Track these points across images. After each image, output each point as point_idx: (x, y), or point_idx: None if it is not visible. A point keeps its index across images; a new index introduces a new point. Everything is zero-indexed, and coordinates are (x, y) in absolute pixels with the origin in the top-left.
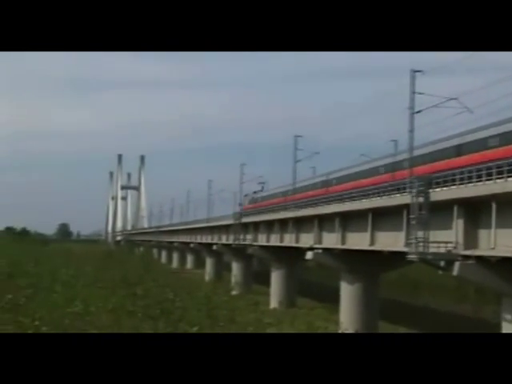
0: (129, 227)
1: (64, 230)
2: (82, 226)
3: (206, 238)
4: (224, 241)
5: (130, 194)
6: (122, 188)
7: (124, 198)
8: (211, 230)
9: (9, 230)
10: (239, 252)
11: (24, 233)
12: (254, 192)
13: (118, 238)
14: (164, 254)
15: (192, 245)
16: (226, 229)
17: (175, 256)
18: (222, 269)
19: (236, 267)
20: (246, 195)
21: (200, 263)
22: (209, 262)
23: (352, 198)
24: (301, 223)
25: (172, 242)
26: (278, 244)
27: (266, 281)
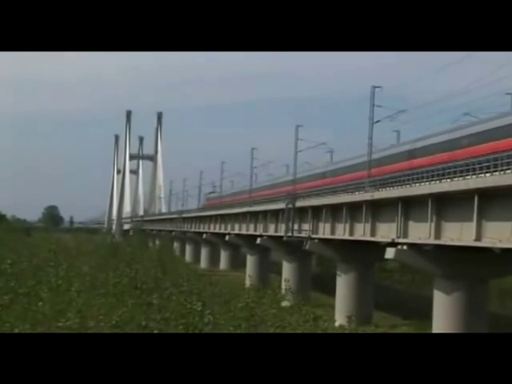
0: (140, 212)
1: (52, 216)
2: (76, 211)
3: (248, 228)
4: (272, 232)
5: (143, 166)
6: (132, 157)
7: (134, 172)
8: (255, 217)
9: None
10: (293, 248)
11: None
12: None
13: (126, 227)
14: (189, 249)
15: (228, 237)
16: (275, 216)
17: (204, 252)
18: (268, 270)
19: (288, 268)
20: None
21: (238, 262)
22: (250, 261)
23: (449, 175)
24: (378, 209)
25: (200, 234)
26: (347, 237)
27: (328, 287)
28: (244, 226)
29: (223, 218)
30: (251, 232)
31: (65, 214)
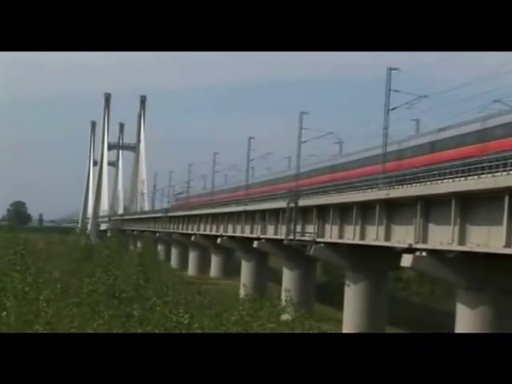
0: (120, 210)
1: (18, 213)
2: (46, 208)
3: (243, 230)
4: (271, 234)
5: (123, 157)
6: (111, 147)
7: (113, 164)
8: (251, 217)
9: None
10: (295, 253)
11: None
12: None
13: (103, 227)
14: (175, 252)
15: (220, 239)
16: (275, 216)
17: (192, 257)
18: (266, 278)
19: (289, 277)
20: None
21: (232, 269)
22: (246, 268)
23: (476, 171)
24: (394, 210)
25: (188, 235)
26: (357, 242)
27: (335, 299)
28: (239, 228)
29: (215, 218)
30: (247, 234)
31: (33, 211)
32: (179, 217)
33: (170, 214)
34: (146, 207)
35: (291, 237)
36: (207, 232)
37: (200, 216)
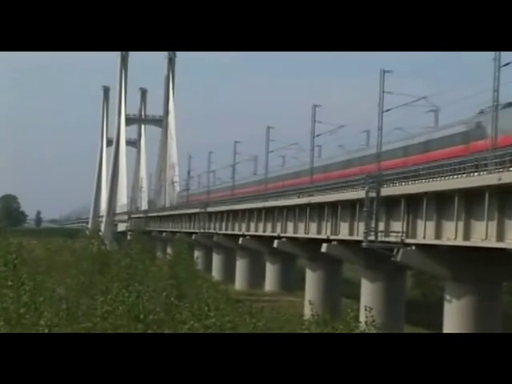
0: (143, 205)
1: (9, 210)
2: (45, 203)
3: (307, 229)
4: (344, 235)
5: (147, 134)
6: (130, 121)
7: (133, 143)
8: (318, 211)
9: None
10: (377, 259)
11: None
12: None
13: (121, 227)
14: (218, 260)
15: (277, 242)
16: (349, 210)
17: (241, 265)
18: (339, 293)
19: (369, 290)
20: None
21: (294, 281)
22: (312, 280)
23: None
24: (509, 199)
25: (235, 237)
26: (461, 243)
27: (432, 319)
28: (302, 226)
29: (270, 214)
30: (313, 235)
31: (28, 207)
32: (222, 213)
33: (210, 210)
34: (176, 200)
35: (372, 237)
36: (260, 232)
37: (250, 211)
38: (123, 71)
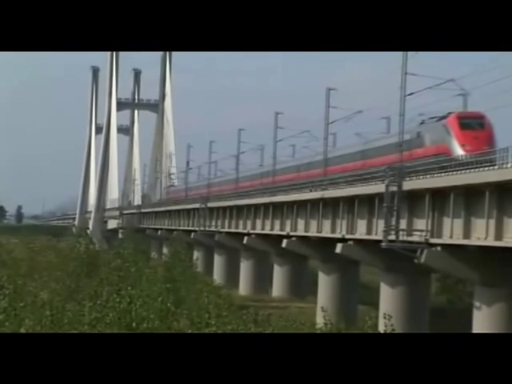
0: (136, 199)
1: None
2: (26, 198)
3: (320, 227)
4: (361, 233)
5: (140, 120)
6: (122, 106)
7: (125, 131)
8: (332, 207)
9: None
10: (397, 261)
11: None
12: None
13: (112, 225)
14: (220, 262)
15: (286, 242)
16: (367, 206)
17: (245, 268)
18: (355, 299)
19: (389, 296)
20: None
21: (305, 286)
22: (325, 283)
23: None
24: None
25: (239, 236)
26: (491, 243)
27: (458, 328)
28: (314, 224)
29: (278, 210)
30: (326, 233)
31: (7, 202)
32: (225, 208)
33: (211, 205)
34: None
35: (392, 237)
36: (267, 231)
37: (256, 207)
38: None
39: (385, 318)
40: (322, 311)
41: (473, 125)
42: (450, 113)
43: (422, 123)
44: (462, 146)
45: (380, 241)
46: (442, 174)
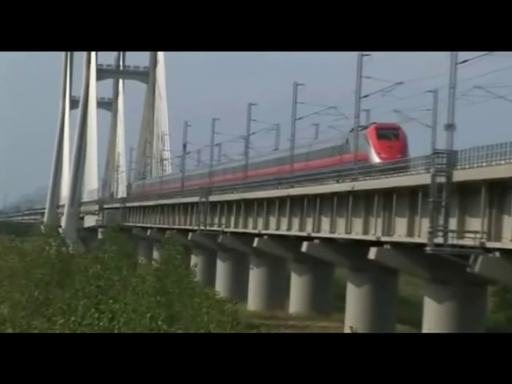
0: (120, 191)
1: None
2: None
3: (348, 226)
4: (401, 235)
5: (125, 92)
6: (103, 74)
7: (107, 105)
8: (365, 202)
9: None
10: (446, 269)
11: None
12: None
13: (90, 222)
14: (224, 269)
15: (306, 245)
16: (407, 200)
17: (256, 276)
18: (392, 316)
19: (435, 312)
20: None
21: (329, 299)
22: (355, 297)
23: None
24: None
25: (248, 238)
26: None
27: None
28: (341, 222)
29: (296, 205)
30: (355, 235)
31: None
32: (231, 203)
33: (213, 199)
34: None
35: (440, 240)
36: (283, 231)
37: (269, 201)
38: None
39: None
40: (351, 330)
41: (389, 135)
42: (373, 123)
43: (351, 131)
44: (378, 154)
45: (424, 244)
46: (503, 162)
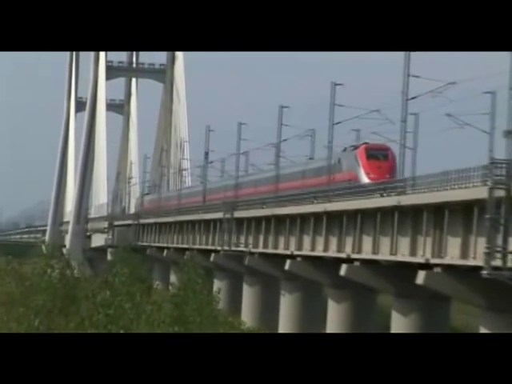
0: (132, 206)
1: None
2: None
3: (394, 247)
4: (454, 257)
5: (139, 93)
6: (113, 72)
7: (118, 107)
8: (413, 219)
9: None
10: (507, 297)
11: None
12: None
13: (98, 241)
14: (251, 295)
15: (345, 269)
16: (461, 216)
17: (286, 304)
18: None
19: None
20: None
21: (379, 331)
22: (404, 327)
23: None
24: None
25: (279, 259)
26: None
27: None
28: (385, 242)
29: (329, 223)
30: (401, 257)
31: None
32: (259, 220)
33: (239, 215)
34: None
35: (498, 262)
36: (318, 252)
37: (303, 218)
38: None
39: None
40: None
41: (378, 156)
42: (365, 142)
43: (344, 150)
44: (367, 174)
45: (480, 268)
46: None
